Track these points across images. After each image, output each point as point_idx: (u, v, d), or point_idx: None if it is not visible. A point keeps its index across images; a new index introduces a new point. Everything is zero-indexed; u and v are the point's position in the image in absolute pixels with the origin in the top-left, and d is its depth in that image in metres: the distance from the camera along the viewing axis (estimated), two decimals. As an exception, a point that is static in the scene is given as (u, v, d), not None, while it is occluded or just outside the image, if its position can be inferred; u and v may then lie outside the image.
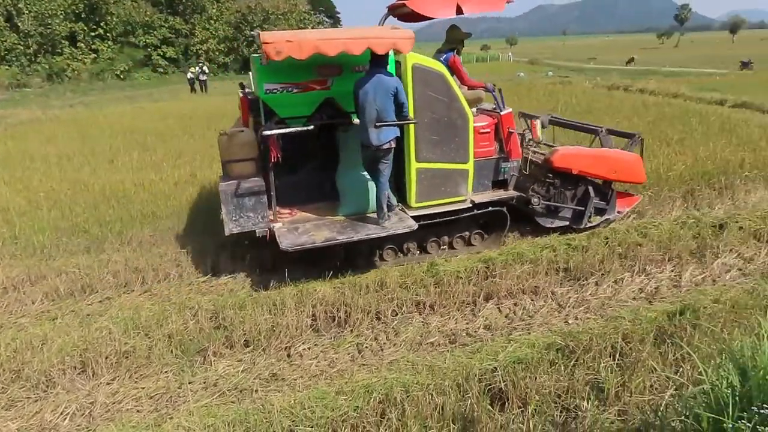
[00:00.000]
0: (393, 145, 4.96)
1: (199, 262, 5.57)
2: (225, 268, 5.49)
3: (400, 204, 5.52)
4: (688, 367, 3.29)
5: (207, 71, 28.64)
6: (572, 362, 3.50)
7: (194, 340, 4.12)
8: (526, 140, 6.10)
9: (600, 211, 6.18)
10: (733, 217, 5.98)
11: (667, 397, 3.14)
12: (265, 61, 4.50)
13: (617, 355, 3.55)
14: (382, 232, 5.10)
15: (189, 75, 28.44)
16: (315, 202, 5.68)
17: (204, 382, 3.72)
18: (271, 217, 5.21)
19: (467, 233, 5.77)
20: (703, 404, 2.30)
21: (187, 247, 5.86)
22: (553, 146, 6.36)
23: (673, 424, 2.62)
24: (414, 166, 5.24)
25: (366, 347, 4.11)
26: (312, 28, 49.21)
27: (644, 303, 4.60)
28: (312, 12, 50.91)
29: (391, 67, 5.02)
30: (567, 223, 6.12)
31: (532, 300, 4.72)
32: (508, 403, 3.22)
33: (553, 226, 6.10)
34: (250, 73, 5.98)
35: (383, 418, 3.12)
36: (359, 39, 4.55)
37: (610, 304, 4.62)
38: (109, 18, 37.87)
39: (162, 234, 6.34)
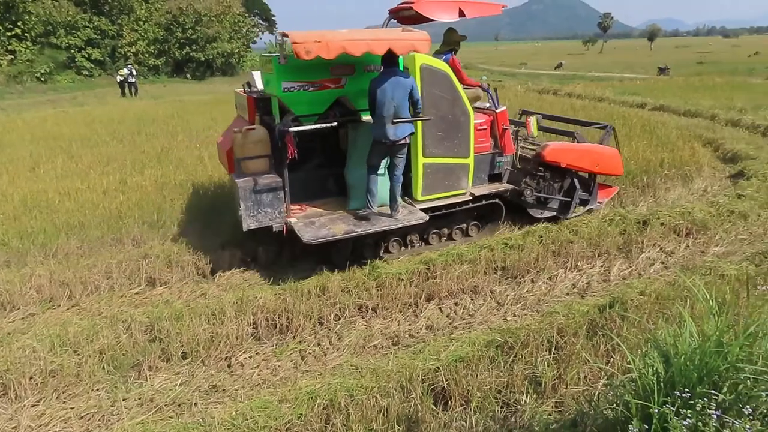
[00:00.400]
0: (408, 141, 5.23)
1: (133, 273, 5.33)
2: (160, 277, 5.29)
3: (405, 198, 5.76)
4: (618, 357, 3.46)
5: (135, 74, 27.47)
6: (511, 358, 3.61)
7: (128, 354, 3.94)
8: (519, 137, 6.63)
9: (584, 202, 6.77)
10: (655, 213, 6.35)
11: (599, 387, 3.29)
12: (284, 60, 4.78)
13: (553, 349, 3.69)
14: (397, 224, 5.34)
15: (118, 78, 27.19)
16: (320, 198, 5.88)
17: (139, 398, 3.56)
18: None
19: (465, 225, 6.14)
20: (632, 391, 2.43)
21: (118, 257, 5.59)
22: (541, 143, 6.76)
23: (605, 413, 2.75)
24: (421, 161, 5.54)
25: (309, 353, 4.07)
26: (247, 31, 48.34)
27: (577, 298, 4.80)
28: (247, 14, 49.88)
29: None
30: (555, 213, 6.63)
31: (472, 299, 4.83)
32: (451, 402, 3.28)
33: (542, 216, 6.56)
34: (256, 72, 6.16)
35: (328, 424, 3.10)
36: (382, 40, 4.87)
37: (546, 300, 4.80)
38: (27, 17, 35.61)
39: (91, 245, 6.02)
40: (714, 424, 2.01)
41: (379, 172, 5.36)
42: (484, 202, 6.05)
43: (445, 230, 6.02)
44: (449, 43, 6.19)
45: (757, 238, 5.97)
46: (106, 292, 5.11)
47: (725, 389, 2.19)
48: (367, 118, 5.43)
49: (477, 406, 3.20)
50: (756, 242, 5.83)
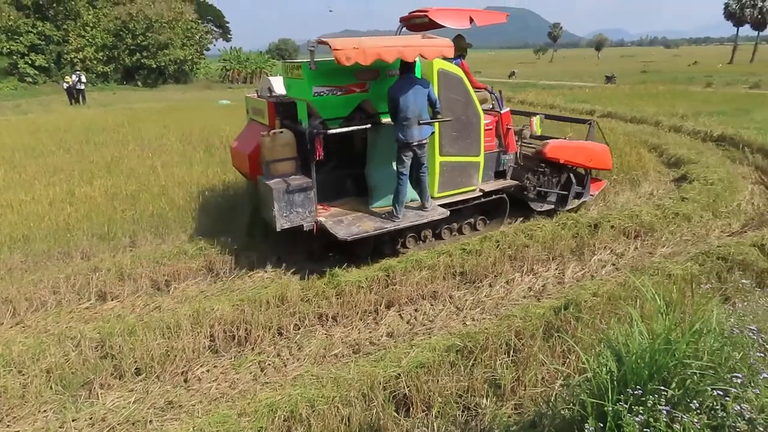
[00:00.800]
0: (428, 141, 5.56)
1: (82, 288, 5.12)
2: (111, 291, 5.11)
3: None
4: (574, 358, 3.55)
5: (84, 80, 26.53)
6: (471, 362, 3.65)
7: (77, 373, 3.78)
8: (522, 136, 7.15)
9: (578, 195, 7.25)
10: (606, 217, 6.57)
11: (557, 388, 3.37)
12: (314, 66, 5.03)
13: (511, 352, 3.75)
14: (422, 219, 5.69)
15: (65, 85, 26.20)
16: (339, 198, 6.10)
17: (90, 418, 3.42)
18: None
19: (473, 219, 6.51)
20: (587, 391, 2.49)
21: (66, 271, 5.36)
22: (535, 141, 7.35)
23: (562, 413, 2.81)
24: (438, 160, 5.87)
25: (269, 365, 4.01)
26: (200, 38, 47.48)
27: (533, 300, 4.91)
28: (200, 21, 49.00)
29: (417, 72, 5.63)
30: (553, 206, 7.10)
31: (431, 305, 4.86)
32: (413, 408, 3.28)
33: (542, 209, 7.03)
34: (274, 78, 6.47)
35: (289, 436, 3.05)
36: (413, 47, 5.18)
37: (503, 303, 4.88)
38: (-36, 22, 33.99)
39: (36, 259, 5.76)
40: (664, 419, 2.08)
41: (406, 173, 5.58)
42: (492, 197, 6.45)
43: (455, 225, 6.35)
44: (458, 48, 6.38)
45: (700, 239, 6.26)
46: (54, 308, 4.90)
47: (674, 385, 2.28)
48: (386, 120, 5.67)
49: (438, 412, 3.22)
50: (699, 243, 6.10)
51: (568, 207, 7.11)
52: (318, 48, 5.16)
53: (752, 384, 2.15)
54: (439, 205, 5.89)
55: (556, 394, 3.26)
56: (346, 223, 5.50)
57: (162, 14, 40.63)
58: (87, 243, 6.04)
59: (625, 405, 2.20)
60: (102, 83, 38.35)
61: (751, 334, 2.48)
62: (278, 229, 5.28)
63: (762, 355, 2.35)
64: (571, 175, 7.08)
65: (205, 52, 50.68)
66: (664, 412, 2.10)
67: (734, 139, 11.41)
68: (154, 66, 40.59)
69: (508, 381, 3.41)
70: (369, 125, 5.54)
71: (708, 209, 7.02)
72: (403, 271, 5.19)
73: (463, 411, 3.28)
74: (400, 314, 4.72)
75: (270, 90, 6.39)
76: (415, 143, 5.38)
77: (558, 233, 6.09)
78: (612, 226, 6.30)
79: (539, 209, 7.00)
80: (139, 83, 40.42)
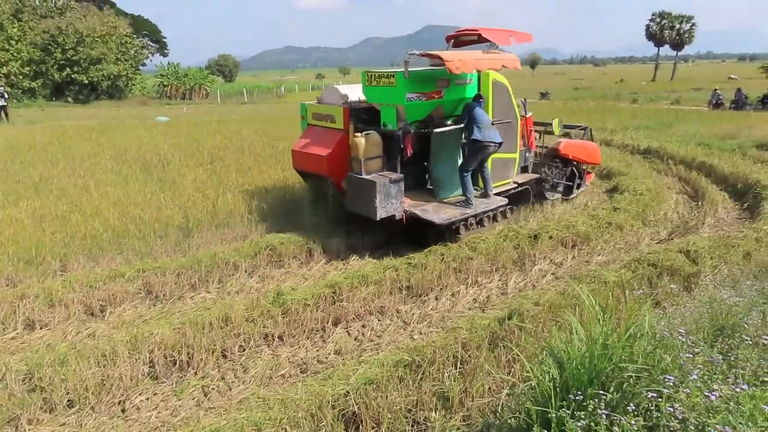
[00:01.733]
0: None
1: (7, 316, 4.78)
2: (40, 319, 4.80)
3: (476, 187, 7.10)
4: (519, 367, 3.63)
5: (6, 96, 25.07)
6: (419, 376, 3.66)
7: (2, 408, 3.52)
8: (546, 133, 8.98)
9: (578, 186, 8.87)
10: (544, 228, 6.80)
11: (503, 397, 3.42)
12: (408, 75, 6.06)
13: (458, 364, 3.79)
14: (490, 206, 6.98)
15: (-14, 101, 24.67)
16: (406, 192, 6.61)
17: (17, 457, 3.18)
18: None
19: (504, 208, 7.36)
20: (531, 398, 2.55)
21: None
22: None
23: (509, 422, 2.86)
24: (491, 156, 6.94)
25: (213, 389, 3.87)
26: (135, 52, 46.02)
27: (478, 312, 5.00)
28: (135, 36, 47.46)
29: (475, 83, 7.00)
30: (560, 195, 8.58)
31: (379, 320, 4.86)
32: (362, 426, 3.25)
33: (553, 198, 8.44)
34: (342, 86, 7.38)
35: (235, 462, 2.95)
36: (498, 59, 6.94)
37: (450, 316, 4.95)
38: None
39: (-46, 287, 5.35)
40: (604, 422, 2.16)
41: (471, 168, 6.75)
42: (520, 188, 7.67)
43: (491, 213, 7.15)
44: None
45: (632, 247, 6.59)
46: (-26, 339, 4.55)
47: (612, 389, 2.37)
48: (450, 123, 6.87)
49: (388, 428, 3.21)
50: (631, 250, 6.42)
51: (572, 196, 8.70)
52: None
53: (683, 384, 2.26)
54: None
55: (502, 404, 3.31)
56: (431, 211, 6.46)
57: (94, 28, 39.09)
58: (12, 268, 5.68)
59: (567, 411, 2.27)
60: (29, 99, 36.35)
61: (680, 336, 2.62)
62: (377, 219, 6.12)
63: (690, 356, 2.48)
64: (574, 168, 8.62)
65: (141, 67, 49.07)
66: (604, 415, 2.18)
67: (659, 151, 12.15)
68: (86, 81, 38.88)
69: (456, 393, 3.44)
70: (462, 124, 6.63)
71: (638, 218, 7.40)
72: (349, 287, 5.17)
73: (412, 425, 3.28)
74: (347, 331, 4.69)
75: (347, 97, 7.07)
76: (496, 143, 6.56)
77: (500, 245, 6.24)
78: (551, 237, 6.52)
79: (551, 198, 8.41)
80: (70, 99, 38.60)
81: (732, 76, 52.24)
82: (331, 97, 7.23)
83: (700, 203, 8.31)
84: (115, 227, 6.80)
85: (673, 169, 10.72)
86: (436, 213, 6.38)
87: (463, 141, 7.04)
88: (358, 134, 6.20)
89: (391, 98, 6.27)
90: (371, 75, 6.53)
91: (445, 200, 6.93)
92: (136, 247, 6.31)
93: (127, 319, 4.94)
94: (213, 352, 4.19)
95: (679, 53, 58.88)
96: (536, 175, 8.08)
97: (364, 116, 6.73)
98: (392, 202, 6.18)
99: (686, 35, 54.67)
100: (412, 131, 6.32)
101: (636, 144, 13.25)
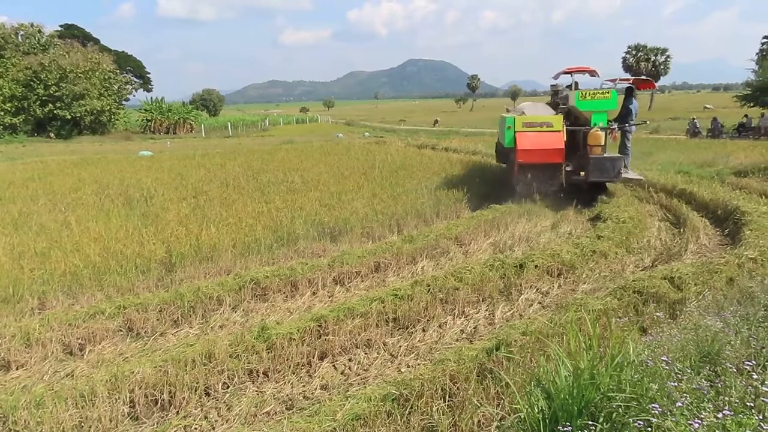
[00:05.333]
0: None
1: (-19, 358, 4.64)
2: (16, 359, 4.65)
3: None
4: (508, 398, 3.58)
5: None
6: (407, 410, 3.59)
7: (-27, 455, 3.38)
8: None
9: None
10: (530, 257, 6.82)
11: (493, 430, 3.37)
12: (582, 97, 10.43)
13: (447, 397, 3.73)
14: (642, 178, 11.21)
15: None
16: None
17: (-12, 507, 3.04)
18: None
19: None
20: (521, 431, 2.52)
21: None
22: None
23: (499, 455, 2.81)
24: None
25: (195, 429, 3.76)
26: (119, 88, 46.22)
27: (466, 343, 4.94)
28: (118, 71, 47.66)
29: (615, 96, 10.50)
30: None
31: (365, 353, 4.79)
32: (350, 464, 3.17)
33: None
34: (525, 103, 12.69)
35: (218, 506, 2.85)
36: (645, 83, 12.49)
37: (437, 347, 4.89)
38: None
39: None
40: (595, 454, 2.13)
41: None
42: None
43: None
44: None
45: (617, 274, 6.62)
46: (-53, 382, 4.39)
47: (601, 419, 2.35)
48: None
49: (376, 465, 3.13)
50: (616, 278, 6.45)
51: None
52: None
53: (670, 413, 2.25)
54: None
55: (492, 437, 3.25)
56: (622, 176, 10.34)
57: (77, 64, 39.25)
58: (-11, 307, 5.53)
59: (557, 443, 2.23)
60: (9, 135, 36.12)
61: (665, 365, 2.62)
62: (619, 182, 10.59)
63: (676, 384, 2.48)
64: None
65: (124, 102, 49.20)
66: (594, 447, 2.15)
67: (640, 180, 12.35)
68: (69, 117, 38.82)
69: (445, 427, 3.38)
70: (647, 122, 11.46)
71: (622, 246, 7.47)
72: (335, 321, 5.10)
73: (401, 462, 3.20)
74: (334, 365, 4.61)
75: (565, 103, 10.94)
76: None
77: (486, 275, 6.24)
78: (536, 266, 6.54)
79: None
80: (52, 135, 38.44)
81: (707, 106, 53.91)
82: (532, 110, 10.91)
83: (682, 230, 8.42)
84: (96, 263, 6.69)
85: (655, 196, 10.90)
86: (629, 177, 10.61)
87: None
88: (599, 130, 9.83)
89: (605, 106, 10.07)
90: (585, 92, 10.16)
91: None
92: (117, 283, 6.20)
93: (107, 358, 4.81)
94: (196, 390, 4.08)
95: (656, 84, 60.78)
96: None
97: (566, 122, 10.26)
98: (625, 169, 10.12)
99: (662, 67, 56.61)
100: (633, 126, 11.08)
101: (617, 172, 13.51)
